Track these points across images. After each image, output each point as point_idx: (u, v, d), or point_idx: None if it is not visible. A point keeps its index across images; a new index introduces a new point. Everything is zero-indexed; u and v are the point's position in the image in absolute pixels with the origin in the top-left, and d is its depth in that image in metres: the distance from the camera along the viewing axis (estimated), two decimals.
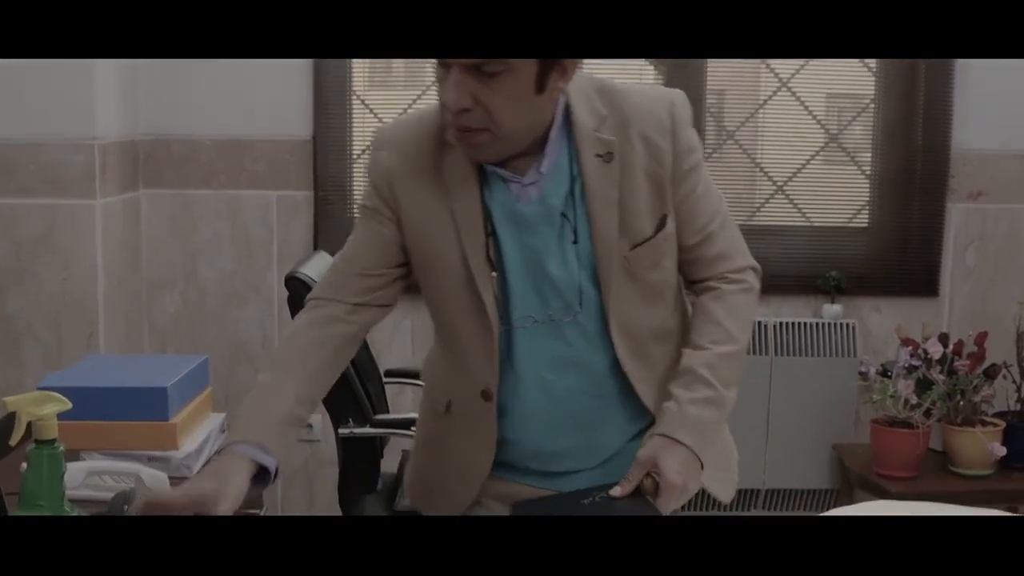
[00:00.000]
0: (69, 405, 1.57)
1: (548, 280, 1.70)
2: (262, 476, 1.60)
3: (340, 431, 2.69)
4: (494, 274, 1.69)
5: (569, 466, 1.80)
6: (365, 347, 2.98)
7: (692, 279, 1.82)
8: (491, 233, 1.69)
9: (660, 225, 1.71)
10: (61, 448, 1.55)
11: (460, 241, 1.69)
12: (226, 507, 1.49)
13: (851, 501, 3.72)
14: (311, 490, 3.92)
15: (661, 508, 1.61)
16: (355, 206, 1.67)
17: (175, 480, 2.13)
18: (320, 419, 3.66)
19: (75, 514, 1.56)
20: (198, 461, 2.28)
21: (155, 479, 2.00)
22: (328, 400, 2.70)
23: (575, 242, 1.69)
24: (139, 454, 2.22)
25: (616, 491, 1.62)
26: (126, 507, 1.80)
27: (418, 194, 1.71)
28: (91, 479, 2.01)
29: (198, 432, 2.37)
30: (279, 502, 3.94)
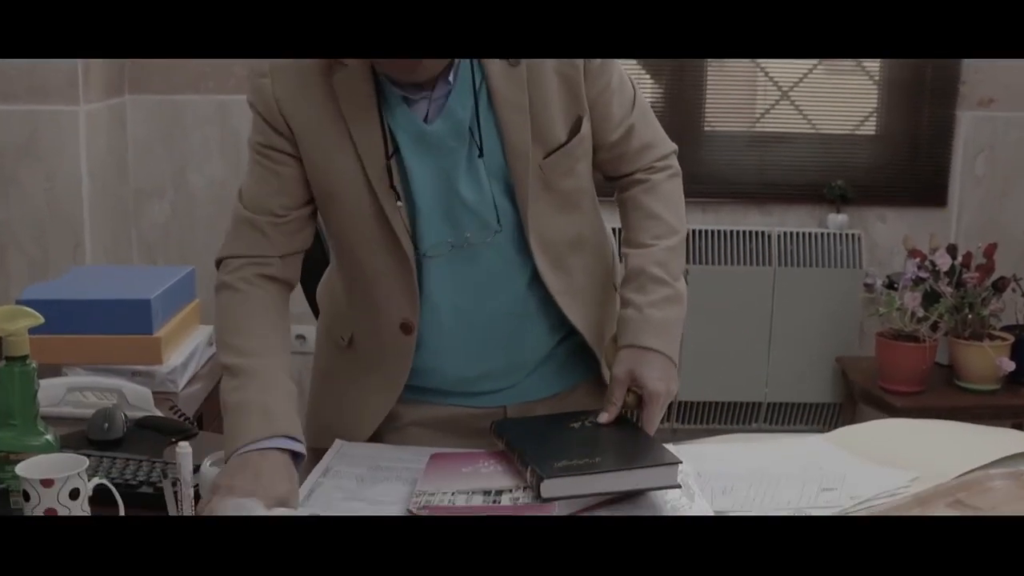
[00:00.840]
0: (41, 320, 1.48)
1: (460, 202, 1.58)
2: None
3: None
4: (399, 203, 1.57)
5: (491, 386, 1.72)
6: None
7: (616, 175, 1.72)
8: (394, 156, 1.56)
9: (575, 129, 1.61)
10: (33, 365, 1.47)
11: (363, 168, 1.56)
12: (295, 503, 1.43)
13: (854, 415, 3.68)
14: (304, 400, 3.85)
15: (649, 420, 1.55)
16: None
17: (159, 395, 2.06)
18: (313, 331, 3.58)
19: (49, 434, 1.48)
20: (183, 376, 2.21)
21: (138, 395, 1.93)
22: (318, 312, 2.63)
23: (481, 156, 1.56)
24: (123, 369, 2.16)
25: (603, 417, 1.55)
26: (105, 425, 1.73)
27: (312, 121, 1.56)
28: (72, 395, 1.94)
29: (184, 346, 2.30)
30: None
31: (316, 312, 2.31)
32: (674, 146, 1.74)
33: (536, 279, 1.65)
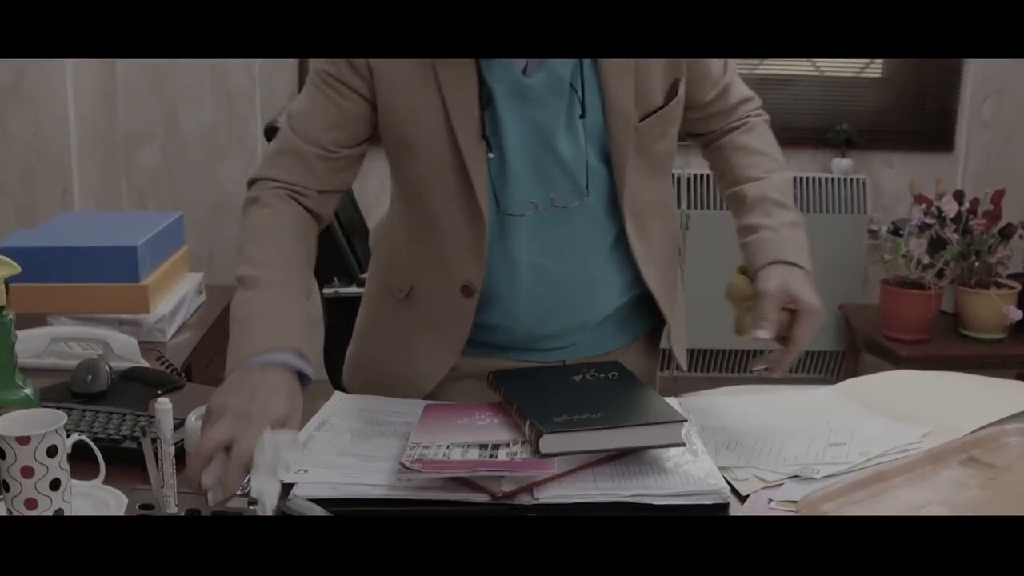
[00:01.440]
0: (18, 269, 1.42)
1: (556, 159, 1.52)
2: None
3: (324, 291, 2.56)
4: (491, 155, 1.50)
5: (555, 343, 1.67)
6: (352, 201, 2.83)
7: (706, 131, 1.69)
8: (487, 107, 1.49)
9: (672, 92, 1.56)
10: (10, 316, 1.41)
11: (448, 117, 1.48)
12: (296, 425, 1.32)
13: (857, 364, 3.63)
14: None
15: (804, 336, 1.46)
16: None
17: (146, 345, 2.00)
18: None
19: (28, 388, 1.42)
20: (171, 325, 2.15)
21: (124, 345, 1.88)
22: None
23: (582, 116, 1.51)
24: (109, 318, 2.10)
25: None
26: (89, 377, 1.68)
27: (396, 64, 1.48)
28: (56, 346, 1.88)
29: (172, 294, 2.24)
30: None
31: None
32: (759, 99, 1.72)
33: (621, 241, 1.61)
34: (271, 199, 1.52)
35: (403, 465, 1.31)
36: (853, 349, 3.67)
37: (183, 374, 1.90)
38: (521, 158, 1.51)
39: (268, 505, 1.16)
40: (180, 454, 1.42)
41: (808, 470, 1.38)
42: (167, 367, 1.89)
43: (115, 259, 2.11)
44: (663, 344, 1.78)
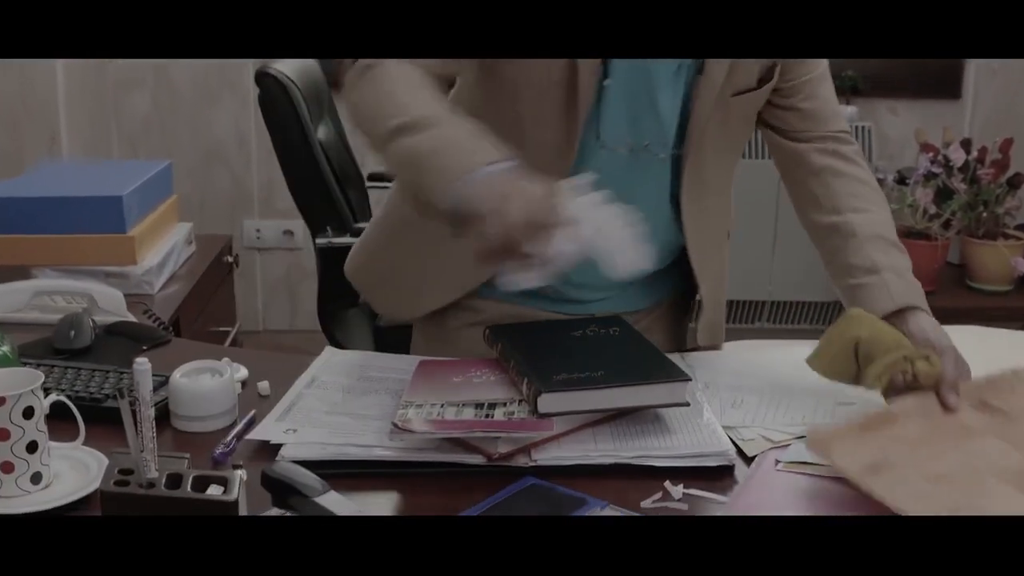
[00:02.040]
0: None
1: (654, 110, 1.48)
2: None
3: (318, 241, 2.50)
4: (607, 81, 1.44)
5: (584, 295, 1.62)
6: (345, 148, 2.75)
7: (789, 127, 1.59)
8: None
9: (766, 77, 1.51)
10: None
11: None
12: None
13: None
14: (293, 300, 3.76)
15: (955, 389, 1.34)
16: None
17: (133, 298, 1.94)
18: (301, 225, 3.46)
19: (6, 344, 1.37)
20: (159, 277, 2.10)
21: (109, 298, 1.81)
22: (305, 207, 2.51)
23: (685, 79, 1.47)
24: (95, 270, 2.04)
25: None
26: (72, 332, 1.62)
27: None
28: (39, 300, 1.82)
29: (161, 244, 2.18)
30: (260, 315, 3.79)
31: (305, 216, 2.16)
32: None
33: (675, 205, 1.56)
34: (390, 62, 1.39)
35: (395, 426, 1.26)
36: None
37: (170, 328, 1.84)
38: (625, 97, 1.47)
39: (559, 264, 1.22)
40: (164, 413, 1.37)
41: None
42: (154, 321, 1.83)
43: (100, 209, 2.04)
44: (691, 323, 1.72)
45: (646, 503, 1.19)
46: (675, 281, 1.68)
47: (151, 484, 1.06)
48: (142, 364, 1.06)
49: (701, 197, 1.57)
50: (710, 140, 1.52)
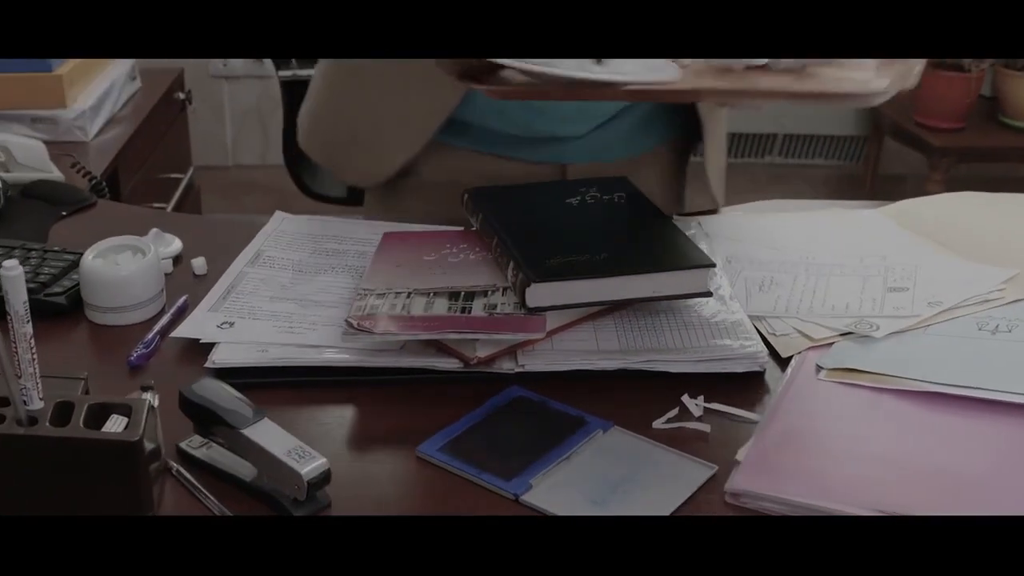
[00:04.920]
0: None
1: None
2: None
3: (280, 73, 2.22)
4: None
5: (554, 130, 1.35)
6: None
7: None
8: None
9: None
10: None
11: None
12: None
13: (880, 152, 3.34)
14: (266, 135, 3.48)
15: None
16: None
17: (62, 147, 1.68)
18: None
19: None
20: (95, 121, 1.83)
21: (28, 150, 1.55)
22: None
23: None
24: (20, 114, 1.77)
25: None
26: None
27: None
28: None
29: (97, 83, 1.91)
30: (228, 149, 3.51)
31: None
32: None
33: None
34: None
35: (349, 324, 1.02)
36: (877, 134, 3.35)
37: (103, 184, 1.58)
38: None
39: None
40: (77, 302, 1.13)
41: (864, 325, 1.09)
42: (84, 175, 1.58)
43: None
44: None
45: (659, 423, 0.97)
46: (671, 116, 1.42)
47: (32, 420, 0.83)
48: (11, 268, 0.81)
49: None
50: None
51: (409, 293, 1.08)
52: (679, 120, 1.42)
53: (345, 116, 1.41)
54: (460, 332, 1.01)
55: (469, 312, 1.04)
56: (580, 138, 1.36)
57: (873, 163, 3.36)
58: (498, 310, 1.04)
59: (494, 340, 1.02)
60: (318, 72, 1.47)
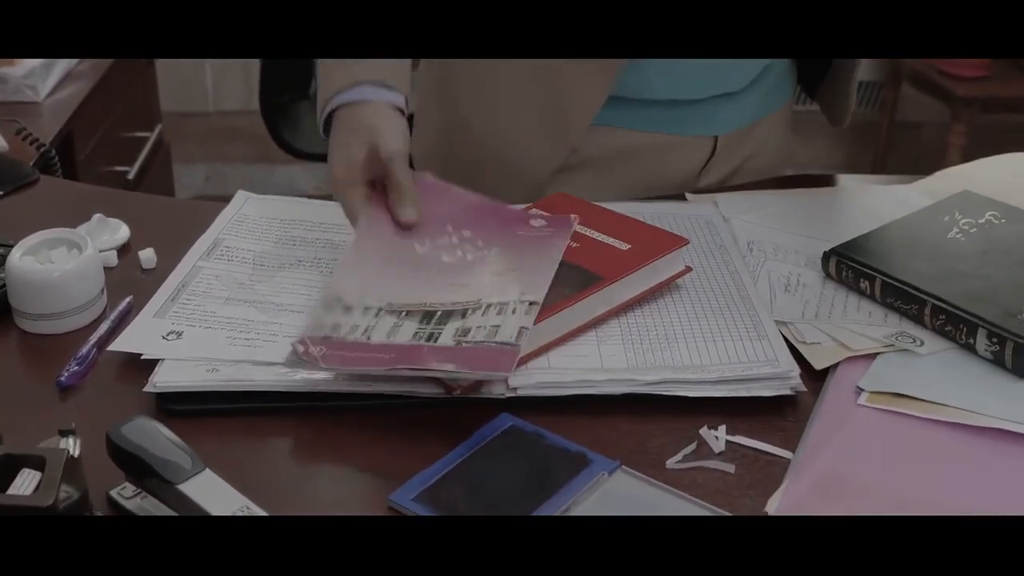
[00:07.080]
0: None
1: None
2: None
3: None
4: None
5: (702, 95, 1.27)
6: None
7: None
8: None
9: None
10: None
11: None
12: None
13: (897, 97, 3.17)
14: (248, 79, 3.30)
15: None
16: None
17: (6, 109, 1.53)
18: None
19: None
20: (46, 80, 1.66)
21: None
22: None
23: None
24: None
25: None
26: None
27: None
28: None
29: None
30: (209, 95, 3.34)
31: None
32: None
33: None
34: None
35: (295, 352, 0.87)
36: (894, 81, 3.18)
37: (55, 153, 1.42)
38: None
39: None
40: (3, 309, 0.99)
41: (905, 339, 0.94)
42: (31, 142, 1.42)
43: None
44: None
45: (674, 461, 0.82)
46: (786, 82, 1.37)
47: None
48: None
49: None
50: None
51: (378, 310, 0.92)
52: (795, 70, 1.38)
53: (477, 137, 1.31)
54: (413, 368, 0.85)
55: (436, 340, 0.88)
56: (723, 109, 1.29)
57: (890, 110, 3.19)
58: (469, 337, 0.88)
59: (452, 376, 0.86)
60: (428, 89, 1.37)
